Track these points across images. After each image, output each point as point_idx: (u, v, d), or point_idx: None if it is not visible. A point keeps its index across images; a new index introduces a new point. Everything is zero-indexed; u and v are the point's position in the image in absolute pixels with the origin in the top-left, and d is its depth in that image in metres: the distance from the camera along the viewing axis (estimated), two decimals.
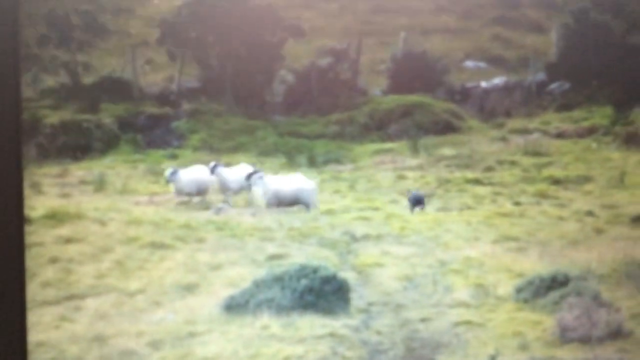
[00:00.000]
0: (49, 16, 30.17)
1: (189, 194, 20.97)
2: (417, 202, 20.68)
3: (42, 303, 14.55)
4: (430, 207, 20.92)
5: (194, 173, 21.13)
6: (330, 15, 34.40)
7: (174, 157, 24.48)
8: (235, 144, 25.56)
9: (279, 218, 19.22)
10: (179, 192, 20.90)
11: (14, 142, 3.78)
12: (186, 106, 27.12)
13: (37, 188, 21.32)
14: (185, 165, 22.70)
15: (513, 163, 24.61)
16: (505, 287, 15.07)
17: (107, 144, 25.18)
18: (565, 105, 29.29)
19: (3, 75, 3.70)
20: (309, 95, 28.61)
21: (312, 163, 24.52)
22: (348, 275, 15.29)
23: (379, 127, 27.87)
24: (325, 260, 15.98)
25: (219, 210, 20.23)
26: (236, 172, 21.08)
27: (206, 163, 21.77)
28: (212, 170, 20.91)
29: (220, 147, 25.41)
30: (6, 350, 3.93)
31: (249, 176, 20.19)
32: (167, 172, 21.05)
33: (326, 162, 24.84)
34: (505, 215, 19.91)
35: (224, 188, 21.06)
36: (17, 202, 3.95)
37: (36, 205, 18.69)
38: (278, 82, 28.86)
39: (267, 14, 28.71)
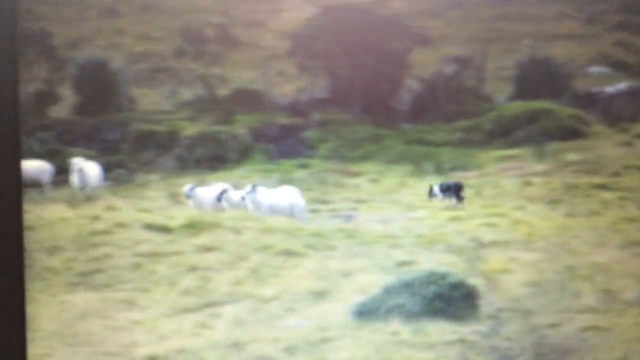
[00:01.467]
0: (185, 30, 30.84)
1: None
2: (448, 189, 20.87)
3: (183, 311, 14.91)
4: (557, 213, 20.72)
5: (210, 191, 21.54)
6: (456, 24, 34.32)
7: (305, 166, 24.71)
8: (364, 152, 25.69)
9: (407, 225, 19.26)
10: (199, 207, 21.17)
11: (13, 141, 3.75)
12: (316, 116, 27.37)
13: (176, 198, 21.88)
14: (315, 174, 23.08)
15: (639, 168, 24.24)
16: (633, 292, 14.87)
17: (241, 155, 25.58)
18: None
19: (2, 74, 3.66)
20: (435, 103, 28.61)
21: (439, 170, 24.47)
22: (476, 281, 15.25)
23: (505, 134, 27.68)
24: (453, 266, 15.97)
25: (348, 219, 20.35)
26: (210, 191, 21.43)
27: (336, 172, 22.05)
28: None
29: (350, 156, 25.57)
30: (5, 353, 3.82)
31: (220, 195, 20.56)
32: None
33: (452, 169, 24.78)
34: (632, 220, 19.60)
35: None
36: (17, 202, 3.88)
37: (176, 215, 19.15)
38: (405, 91, 28.88)
39: (393, 23, 28.83)
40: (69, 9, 33.20)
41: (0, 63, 3.65)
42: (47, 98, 27.98)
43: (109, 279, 15.99)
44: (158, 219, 18.46)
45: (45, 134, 25.71)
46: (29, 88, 28.07)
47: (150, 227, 17.88)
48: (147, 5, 33.71)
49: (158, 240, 17.39)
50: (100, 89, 27.50)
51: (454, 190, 21.85)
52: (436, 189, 21.79)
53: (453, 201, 21.77)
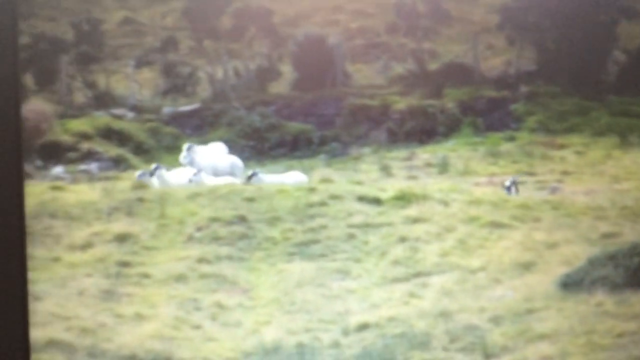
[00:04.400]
0: (398, 5, 30.99)
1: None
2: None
3: (393, 280, 15.20)
4: None
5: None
6: None
7: (511, 139, 24.52)
8: (570, 124, 25.25)
9: (612, 197, 18.86)
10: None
11: (13, 137, 3.74)
12: (523, 89, 27.04)
13: (387, 171, 22.15)
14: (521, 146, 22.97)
15: None
16: None
17: (450, 128, 25.59)
18: None
19: (3, 71, 3.64)
20: None
21: None
22: None
23: None
24: None
25: (554, 190, 20.12)
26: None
27: (542, 144, 21.85)
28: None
29: (555, 128, 25.20)
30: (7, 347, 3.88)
31: (153, 171, 20.08)
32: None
33: None
34: None
35: None
36: (18, 199, 3.87)
37: (386, 187, 19.41)
38: (611, 63, 28.15)
39: None
40: None
41: (0, 64, 3.66)
42: (268, 74, 28.72)
43: (323, 248, 16.43)
44: (370, 191, 18.76)
45: (265, 108, 26.45)
46: (250, 64, 28.91)
47: (362, 199, 18.20)
48: None
49: (370, 212, 17.69)
50: (317, 64, 28.00)
51: None
52: None
53: None
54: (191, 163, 20.86)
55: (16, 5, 3.61)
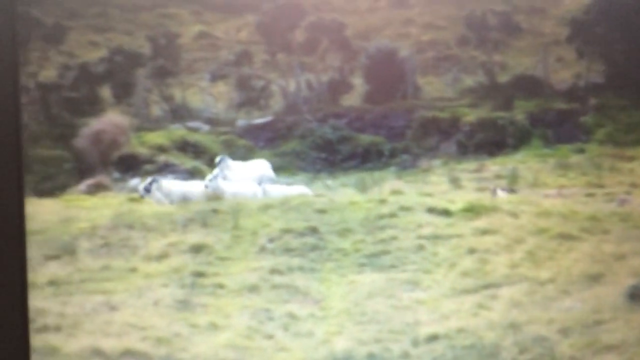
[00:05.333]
0: (469, 17, 30.89)
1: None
2: None
3: (462, 291, 15.18)
4: None
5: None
6: None
7: (580, 151, 24.34)
8: (638, 137, 24.99)
9: None
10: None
11: (14, 140, 3.81)
12: (592, 101, 26.81)
13: (457, 182, 22.11)
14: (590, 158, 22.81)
15: None
16: None
17: (519, 140, 25.46)
18: None
19: (2, 73, 3.62)
20: None
21: None
22: None
23: None
24: None
25: (622, 202, 19.90)
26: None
27: (610, 156, 21.64)
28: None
29: (624, 141, 24.94)
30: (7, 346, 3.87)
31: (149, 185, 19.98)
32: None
33: None
34: None
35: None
36: (18, 202, 3.83)
37: (456, 198, 19.39)
38: None
39: None
40: (362, 0, 34.01)
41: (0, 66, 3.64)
42: (340, 86, 28.84)
43: (393, 259, 16.47)
44: (439, 203, 18.76)
45: (336, 121, 26.58)
46: (323, 77, 29.05)
47: (432, 210, 18.22)
48: None
49: (439, 223, 17.70)
50: (388, 77, 28.07)
51: None
52: None
53: None
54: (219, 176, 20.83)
55: (15, 8, 3.59)
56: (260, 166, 22.27)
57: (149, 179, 20.49)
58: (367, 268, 16.19)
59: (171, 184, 20.22)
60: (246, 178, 21.10)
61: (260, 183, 20.83)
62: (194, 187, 20.24)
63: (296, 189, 20.66)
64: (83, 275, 15.80)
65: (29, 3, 30.56)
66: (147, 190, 19.99)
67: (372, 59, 28.89)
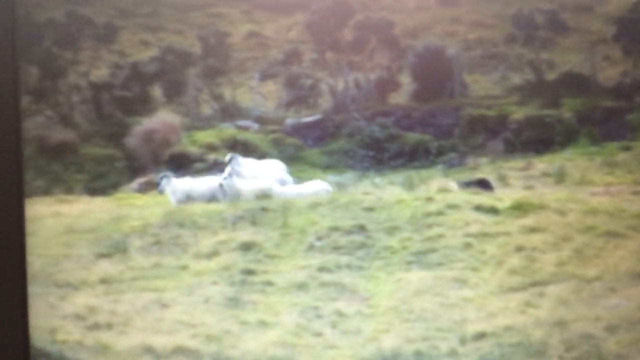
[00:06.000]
0: (516, 16, 30.68)
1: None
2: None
3: (509, 289, 15.11)
4: None
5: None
6: None
7: (627, 149, 24.05)
8: None
9: None
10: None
11: (13, 139, 3.66)
12: (639, 99, 26.52)
13: (504, 180, 21.97)
14: (637, 156, 22.49)
15: None
16: None
17: (566, 138, 25.26)
18: None
19: (2, 73, 3.58)
20: None
21: None
22: None
23: None
24: None
25: None
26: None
27: None
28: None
29: None
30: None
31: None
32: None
33: None
34: None
35: None
36: (18, 200, 3.80)
37: (503, 196, 19.27)
38: None
39: None
40: None
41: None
42: (388, 85, 28.79)
43: (441, 257, 16.41)
44: (486, 201, 18.65)
45: (384, 119, 26.55)
46: (371, 76, 29.01)
47: (479, 208, 18.12)
48: None
49: (486, 221, 17.60)
50: (436, 75, 27.98)
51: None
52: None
53: None
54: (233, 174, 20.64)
55: (15, 13, 3.58)
56: (274, 166, 22.11)
57: (160, 175, 20.55)
58: (415, 266, 16.15)
59: (178, 182, 20.22)
60: (261, 176, 20.93)
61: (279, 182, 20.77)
62: (202, 186, 20.16)
63: (313, 185, 20.56)
64: (134, 273, 15.92)
65: (79, 2, 30.83)
66: (158, 185, 20.11)
67: (420, 57, 28.80)
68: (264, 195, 19.54)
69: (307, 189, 20.16)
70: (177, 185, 20.00)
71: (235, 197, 19.54)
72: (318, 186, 20.37)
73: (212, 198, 19.81)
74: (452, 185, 20.95)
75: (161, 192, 20.02)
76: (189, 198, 19.81)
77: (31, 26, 27.48)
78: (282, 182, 20.80)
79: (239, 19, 33.94)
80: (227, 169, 20.39)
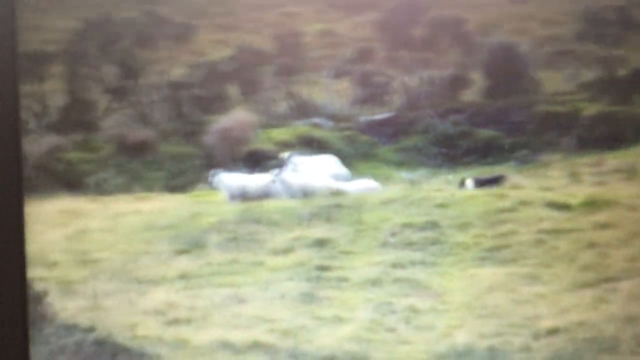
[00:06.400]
0: (587, 12, 30.41)
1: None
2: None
3: (582, 285, 15.04)
4: None
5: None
6: None
7: None
8: None
9: None
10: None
11: (13, 138, 3.63)
12: None
13: (576, 177, 21.79)
14: None
15: None
16: None
17: (638, 134, 24.96)
18: None
19: (2, 74, 3.56)
20: None
21: None
22: None
23: None
24: None
25: None
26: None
27: None
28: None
29: None
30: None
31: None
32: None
33: None
34: None
35: None
36: (17, 199, 3.75)
37: (575, 193, 19.15)
38: None
39: None
40: None
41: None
42: (460, 82, 28.69)
43: (513, 254, 16.39)
44: (559, 197, 18.56)
45: (457, 116, 26.48)
46: (443, 73, 28.96)
47: (551, 205, 18.04)
48: None
49: (558, 217, 17.52)
50: (507, 72, 27.82)
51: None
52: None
53: None
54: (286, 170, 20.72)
55: (15, 12, 3.56)
56: (329, 161, 22.16)
57: (211, 172, 20.77)
58: (488, 262, 16.15)
59: (231, 177, 20.39)
60: (316, 172, 20.99)
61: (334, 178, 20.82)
62: (256, 181, 20.32)
63: (360, 182, 20.59)
64: (212, 268, 16.15)
65: (158, 2, 31.27)
66: (210, 182, 20.36)
67: (492, 54, 28.65)
68: (314, 191, 19.63)
69: (354, 186, 20.23)
70: (230, 181, 20.21)
71: (288, 191, 19.68)
72: (364, 184, 20.44)
73: (266, 194, 19.97)
74: (469, 183, 20.91)
75: (212, 188, 20.27)
76: (243, 194, 19.99)
77: (110, 26, 27.99)
78: (338, 177, 20.90)
79: (312, 18, 34.11)
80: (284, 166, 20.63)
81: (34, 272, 12.36)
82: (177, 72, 28.48)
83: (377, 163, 23.81)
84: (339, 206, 18.51)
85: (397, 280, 15.47)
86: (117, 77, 27.59)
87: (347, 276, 15.68)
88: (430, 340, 13.58)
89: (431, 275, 15.70)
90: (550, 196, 18.61)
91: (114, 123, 26.10)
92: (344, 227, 17.59)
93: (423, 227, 17.37)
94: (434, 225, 17.46)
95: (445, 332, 13.75)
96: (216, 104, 27.53)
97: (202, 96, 27.67)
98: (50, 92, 26.75)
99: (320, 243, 16.95)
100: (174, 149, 25.26)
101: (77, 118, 26.23)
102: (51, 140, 24.33)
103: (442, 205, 18.28)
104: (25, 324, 3.83)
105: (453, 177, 22.20)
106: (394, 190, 20.00)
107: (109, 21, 28.08)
